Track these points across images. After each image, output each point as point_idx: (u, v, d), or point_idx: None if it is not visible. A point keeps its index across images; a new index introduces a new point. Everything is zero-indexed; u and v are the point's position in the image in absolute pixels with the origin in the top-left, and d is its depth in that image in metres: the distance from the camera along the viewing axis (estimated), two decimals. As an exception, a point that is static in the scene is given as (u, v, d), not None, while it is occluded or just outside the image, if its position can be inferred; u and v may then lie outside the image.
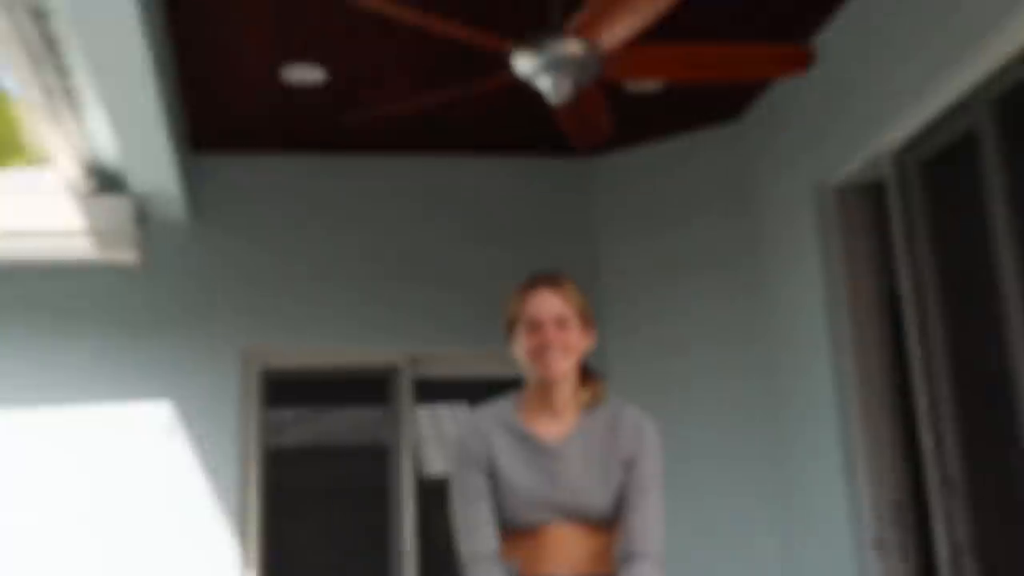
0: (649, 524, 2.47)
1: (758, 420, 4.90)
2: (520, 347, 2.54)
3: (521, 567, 2.47)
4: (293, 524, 5.24)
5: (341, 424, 5.66)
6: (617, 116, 3.96)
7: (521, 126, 5.13)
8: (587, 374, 2.60)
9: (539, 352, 2.51)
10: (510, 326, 2.58)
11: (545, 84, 3.48)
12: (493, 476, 2.50)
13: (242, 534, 5.03)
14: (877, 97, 3.98)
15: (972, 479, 3.56)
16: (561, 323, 2.52)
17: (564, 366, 2.52)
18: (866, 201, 4.40)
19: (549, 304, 2.53)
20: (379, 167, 5.49)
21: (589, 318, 2.58)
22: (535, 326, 2.52)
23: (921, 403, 3.79)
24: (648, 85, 4.74)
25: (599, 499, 2.48)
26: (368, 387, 5.42)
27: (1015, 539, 3.42)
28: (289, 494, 5.26)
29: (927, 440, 3.75)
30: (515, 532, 2.49)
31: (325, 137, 5.25)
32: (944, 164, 3.75)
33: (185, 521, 5.00)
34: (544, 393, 2.54)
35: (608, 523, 2.51)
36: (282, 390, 5.35)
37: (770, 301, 4.91)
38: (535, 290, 2.55)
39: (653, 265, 5.29)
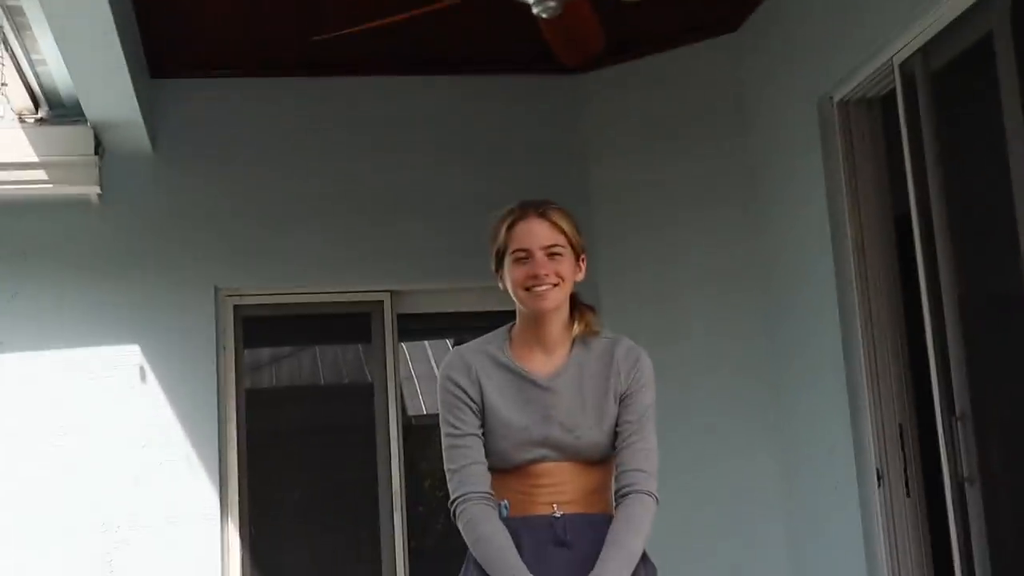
0: (645, 461, 2.48)
1: (756, 343, 4.92)
2: (509, 279, 2.52)
3: (512, 507, 2.47)
4: (275, 466, 5.25)
5: (321, 363, 5.62)
6: (606, 28, 3.81)
7: (504, 42, 5.02)
8: (579, 305, 2.59)
9: (529, 284, 2.49)
10: (498, 257, 2.55)
11: (529, -5, 3.34)
12: (483, 413, 2.50)
13: (222, 478, 5.05)
14: (888, 2, 3.90)
15: (979, 408, 3.57)
16: (552, 252, 2.50)
17: (557, 297, 2.50)
18: (872, 116, 4.35)
19: (539, 233, 2.50)
20: (353, 90, 5.41)
21: (581, 247, 2.56)
22: (524, 256, 2.50)
23: (927, 328, 3.80)
24: (639, -6, 4.59)
25: (594, 435, 2.49)
26: (349, 324, 5.39)
27: (1021, 471, 3.46)
28: (270, 435, 5.27)
29: (933, 367, 3.76)
30: (506, 471, 2.49)
31: (295, 58, 5.16)
32: (956, 74, 3.71)
33: (163, 466, 5.01)
34: (535, 326, 2.53)
35: (603, 459, 2.52)
36: (259, 329, 5.32)
37: (769, 222, 4.90)
38: (524, 219, 2.52)
39: (646, 187, 5.25)
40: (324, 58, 5.06)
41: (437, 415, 2.57)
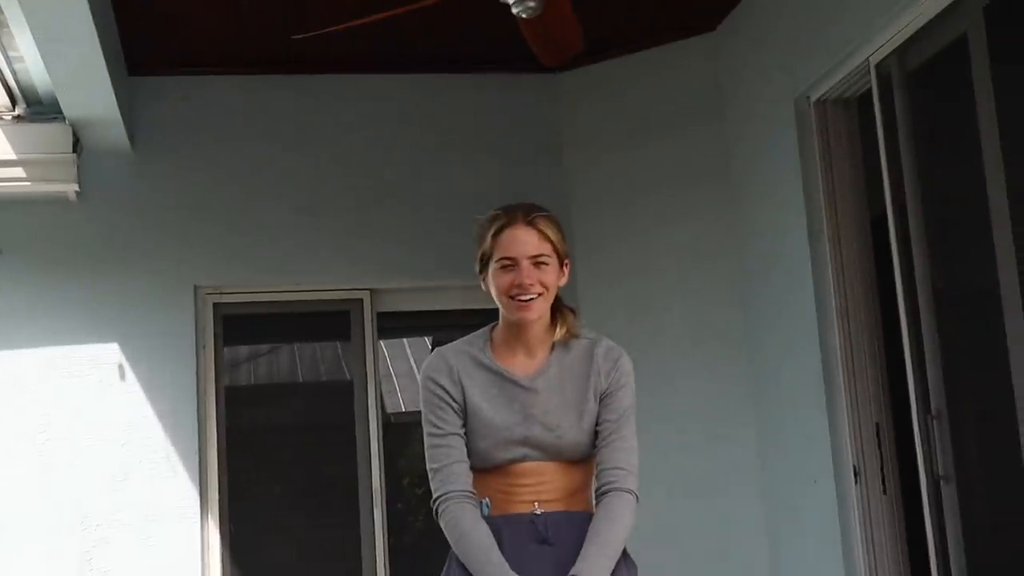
0: (625, 459, 2.50)
1: (733, 343, 4.93)
2: (493, 285, 2.53)
3: (494, 505, 2.49)
4: (255, 463, 5.24)
5: (300, 361, 5.61)
6: (585, 28, 3.81)
7: (485, 41, 5.02)
8: (561, 307, 2.60)
9: (514, 292, 2.50)
10: (482, 260, 2.55)
11: (508, -6, 3.35)
12: (465, 413, 2.51)
13: (202, 475, 5.04)
14: (864, 3, 3.91)
15: (954, 406, 3.59)
16: (537, 261, 2.50)
17: (541, 307, 2.51)
18: (849, 116, 4.37)
19: (526, 241, 2.50)
20: (333, 88, 5.40)
21: (565, 253, 2.57)
22: (510, 264, 2.50)
23: (903, 328, 3.81)
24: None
25: (574, 434, 2.50)
26: (329, 322, 5.39)
27: (995, 469, 3.48)
28: (250, 433, 5.26)
29: (909, 365, 3.77)
30: (487, 470, 2.51)
31: (274, 55, 5.14)
32: (931, 75, 3.73)
33: (143, 464, 4.98)
34: (517, 330, 2.54)
35: (584, 458, 2.53)
36: (239, 327, 5.30)
37: (747, 221, 4.91)
38: (511, 226, 2.51)
39: (625, 184, 5.25)
40: (304, 56, 5.04)
41: (416, 412, 2.57)
